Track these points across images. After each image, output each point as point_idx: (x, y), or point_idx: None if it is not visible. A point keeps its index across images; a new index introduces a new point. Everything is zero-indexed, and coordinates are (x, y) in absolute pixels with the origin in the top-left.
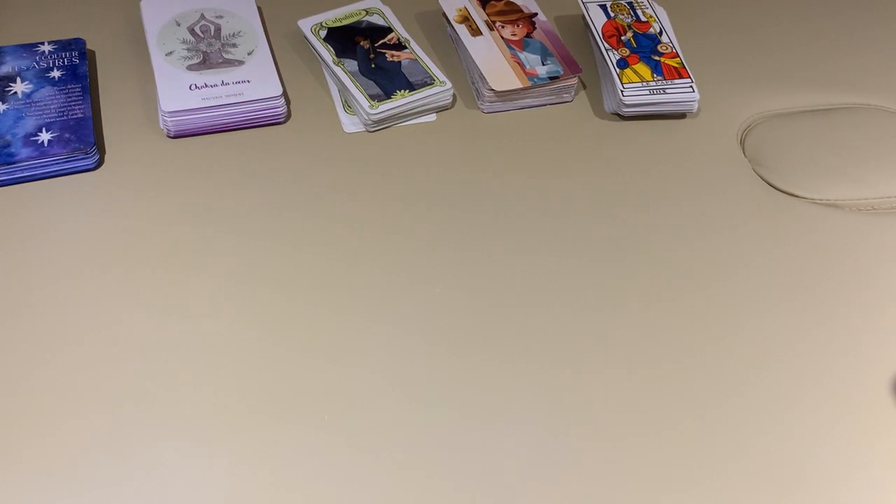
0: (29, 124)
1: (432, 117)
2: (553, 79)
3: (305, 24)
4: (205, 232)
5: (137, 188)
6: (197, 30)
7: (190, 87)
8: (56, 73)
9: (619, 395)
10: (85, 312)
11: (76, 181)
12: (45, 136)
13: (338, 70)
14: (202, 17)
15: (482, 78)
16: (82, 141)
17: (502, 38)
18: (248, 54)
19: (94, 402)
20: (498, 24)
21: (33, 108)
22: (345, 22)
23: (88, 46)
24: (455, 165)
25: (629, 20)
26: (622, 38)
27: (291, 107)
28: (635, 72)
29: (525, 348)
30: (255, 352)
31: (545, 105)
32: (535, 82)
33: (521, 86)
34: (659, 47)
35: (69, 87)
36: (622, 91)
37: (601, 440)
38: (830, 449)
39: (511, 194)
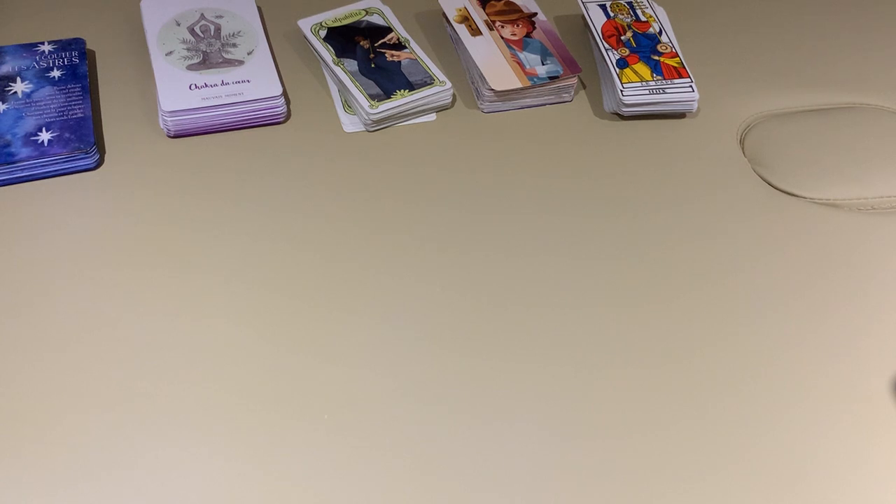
0: (29, 124)
1: (432, 117)
2: (553, 78)
3: (305, 24)
4: (204, 231)
5: (137, 188)
6: (197, 30)
7: (190, 87)
8: (56, 73)
9: (618, 395)
10: (85, 311)
11: (76, 181)
12: (45, 136)
13: (338, 70)
14: (202, 16)
15: (482, 78)
16: (82, 140)
17: (502, 37)
18: (248, 54)
19: (93, 402)
20: (498, 23)
21: (33, 108)
22: (345, 22)
23: (88, 46)
24: (455, 165)
25: (629, 20)
26: (622, 37)
27: (291, 107)
28: (635, 71)
29: (524, 347)
30: (256, 351)
31: (545, 105)
32: (534, 82)
33: (520, 85)
34: (658, 47)
35: (69, 86)
36: (622, 91)
37: (602, 439)
38: (830, 449)
39: (511, 194)
